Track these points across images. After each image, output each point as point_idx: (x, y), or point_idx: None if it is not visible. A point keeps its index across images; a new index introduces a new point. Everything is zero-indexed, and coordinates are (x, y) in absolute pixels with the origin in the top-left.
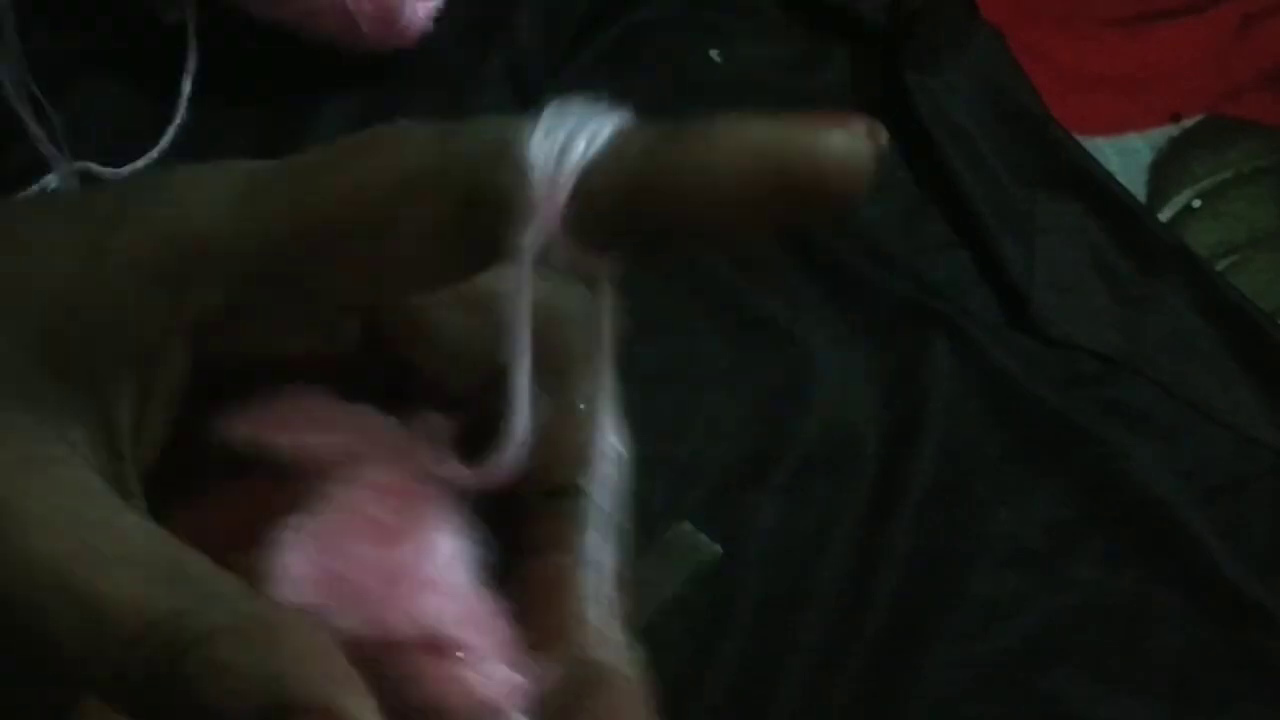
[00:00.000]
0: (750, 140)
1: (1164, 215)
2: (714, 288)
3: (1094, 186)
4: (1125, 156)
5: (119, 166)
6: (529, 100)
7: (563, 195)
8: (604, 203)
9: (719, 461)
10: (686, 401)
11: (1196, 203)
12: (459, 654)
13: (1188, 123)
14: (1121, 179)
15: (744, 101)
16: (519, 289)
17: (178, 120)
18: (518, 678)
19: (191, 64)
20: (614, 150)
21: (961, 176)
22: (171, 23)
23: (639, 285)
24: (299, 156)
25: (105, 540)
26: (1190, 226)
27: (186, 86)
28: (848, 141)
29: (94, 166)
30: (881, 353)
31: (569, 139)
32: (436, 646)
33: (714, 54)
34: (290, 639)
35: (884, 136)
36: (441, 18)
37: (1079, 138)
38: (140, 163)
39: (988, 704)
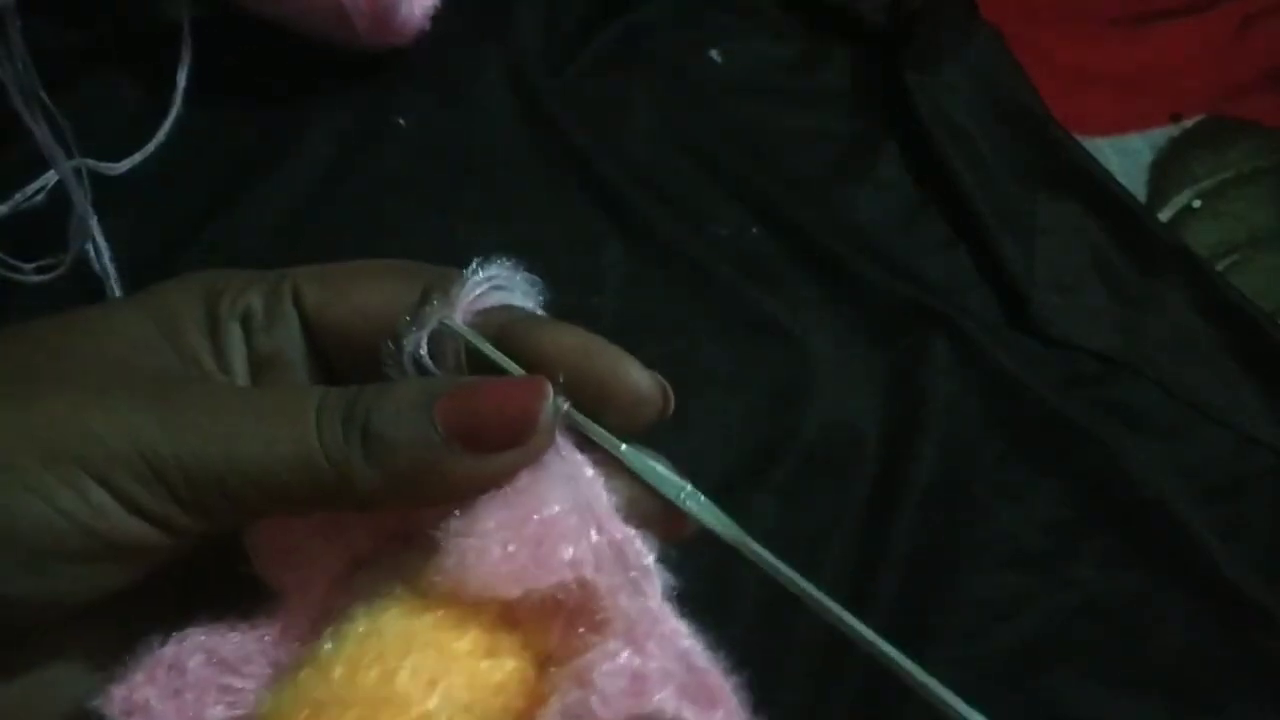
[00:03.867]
0: (573, 339)
1: (1164, 215)
2: (715, 288)
3: (1094, 186)
4: (1125, 156)
5: (118, 163)
6: (529, 100)
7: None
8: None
9: (719, 461)
10: (686, 401)
11: (1196, 203)
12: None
13: (1188, 123)
14: (1121, 179)
15: (744, 101)
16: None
17: (173, 113)
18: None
19: (186, 56)
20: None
21: (961, 176)
22: (169, 20)
23: (640, 286)
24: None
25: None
26: (1190, 226)
27: (182, 79)
28: (645, 377)
29: (94, 163)
30: (881, 353)
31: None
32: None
33: (714, 54)
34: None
35: (671, 405)
36: (441, 17)
37: (1079, 138)
38: (138, 157)
39: (988, 704)
